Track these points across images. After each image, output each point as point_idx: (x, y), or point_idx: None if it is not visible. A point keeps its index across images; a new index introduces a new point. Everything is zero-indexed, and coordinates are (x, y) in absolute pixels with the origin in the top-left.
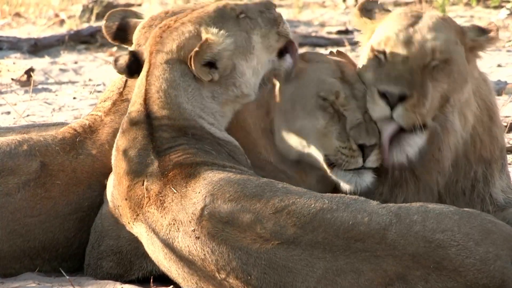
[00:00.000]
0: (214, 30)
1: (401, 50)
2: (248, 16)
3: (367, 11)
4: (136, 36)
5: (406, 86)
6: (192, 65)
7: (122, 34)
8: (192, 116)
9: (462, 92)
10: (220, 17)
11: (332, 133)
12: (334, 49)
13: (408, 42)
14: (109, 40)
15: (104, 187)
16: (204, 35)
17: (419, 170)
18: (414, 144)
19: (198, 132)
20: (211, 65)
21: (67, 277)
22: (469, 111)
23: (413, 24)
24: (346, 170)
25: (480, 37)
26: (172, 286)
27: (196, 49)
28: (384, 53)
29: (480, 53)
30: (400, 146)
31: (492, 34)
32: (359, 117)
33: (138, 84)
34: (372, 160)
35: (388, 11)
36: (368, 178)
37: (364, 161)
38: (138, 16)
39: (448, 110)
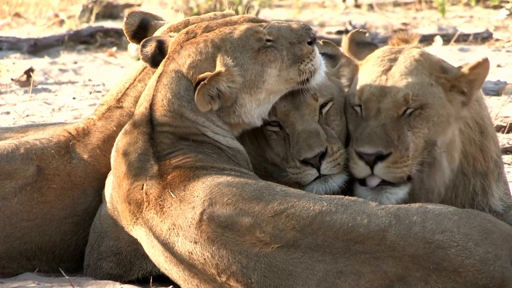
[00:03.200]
0: (229, 62)
1: (374, 104)
2: (274, 46)
3: (356, 44)
4: None
5: (382, 145)
6: (196, 95)
7: (142, 33)
8: (194, 124)
9: (446, 133)
10: (241, 47)
11: (282, 155)
12: None
13: (380, 94)
14: (128, 38)
15: (97, 192)
16: (218, 66)
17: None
18: (393, 197)
19: (199, 138)
20: (214, 95)
21: (67, 277)
22: (454, 151)
23: (386, 71)
24: (308, 184)
25: (459, 77)
26: (171, 286)
27: (205, 82)
28: (360, 106)
29: (469, 91)
30: (378, 196)
31: (471, 74)
32: (298, 129)
33: (148, 86)
34: (328, 167)
35: (375, 46)
36: (337, 181)
37: (319, 170)
38: (157, 19)
39: (437, 152)
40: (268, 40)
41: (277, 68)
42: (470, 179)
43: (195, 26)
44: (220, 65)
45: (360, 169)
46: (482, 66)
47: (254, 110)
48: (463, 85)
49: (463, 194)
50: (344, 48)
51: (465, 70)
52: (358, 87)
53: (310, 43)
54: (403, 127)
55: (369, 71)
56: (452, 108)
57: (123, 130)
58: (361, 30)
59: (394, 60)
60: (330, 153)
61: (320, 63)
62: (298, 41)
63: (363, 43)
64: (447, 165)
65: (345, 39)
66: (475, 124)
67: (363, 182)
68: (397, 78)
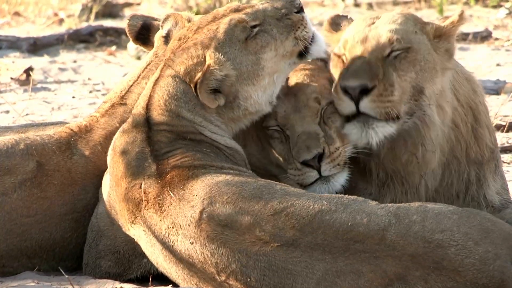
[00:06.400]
0: (220, 56)
1: (358, 47)
2: (262, 29)
3: (336, 25)
4: (156, 38)
5: (366, 78)
6: (199, 95)
7: (145, 33)
8: (191, 123)
9: (434, 82)
10: (228, 41)
11: (284, 157)
12: None
13: (364, 39)
14: (132, 39)
15: (97, 189)
16: (207, 61)
17: (404, 170)
18: (380, 131)
19: (197, 137)
20: (215, 90)
21: (66, 276)
22: (445, 102)
23: (370, 24)
24: (309, 185)
25: (443, 27)
26: (170, 285)
27: (201, 79)
28: (344, 55)
29: (450, 41)
30: (364, 129)
31: (453, 18)
32: (298, 131)
33: (146, 87)
34: (328, 168)
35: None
36: (339, 180)
37: (320, 172)
38: (156, 20)
39: (425, 103)
40: (254, 26)
41: (272, 49)
42: (464, 166)
43: (187, 30)
44: (209, 59)
45: (345, 105)
46: (463, 18)
47: (261, 98)
48: (446, 34)
49: (458, 183)
50: (325, 29)
51: (448, 22)
52: (343, 39)
53: (297, 12)
54: (388, 67)
55: (351, 28)
56: (438, 57)
57: (120, 129)
58: (341, 15)
59: (376, 18)
60: (328, 154)
61: (315, 32)
62: (285, 13)
63: (341, 23)
64: (439, 120)
65: (325, 22)
66: (468, 108)
67: (349, 119)
68: (381, 26)
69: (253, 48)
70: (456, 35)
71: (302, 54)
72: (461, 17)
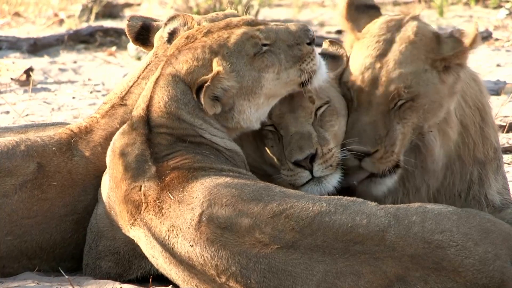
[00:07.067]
0: (227, 65)
1: (365, 96)
2: (271, 50)
3: (356, 8)
4: (156, 39)
5: (369, 144)
6: (202, 99)
7: (145, 34)
8: (191, 126)
9: (437, 116)
10: (237, 53)
11: (277, 157)
12: None
13: (372, 85)
14: (131, 40)
15: (97, 190)
16: (215, 67)
17: (406, 175)
18: (382, 186)
19: (196, 139)
20: (215, 98)
21: (66, 276)
22: (448, 128)
23: (381, 57)
24: (301, 186)
25: (452, 52)
26: (171, 286)
27: (208, 83)
28: (350, 90)
29: (460, 67)
30: (367, 188)
31: (460, 48)
32: (291, 131)
33: (146, 88)
34: (320, 169)
35: (376, 11)
36: (331, 181)
37: (312, 173)
38: (156, 21)
39: (425, 133)
40: (265, 45)
41: (274, 72)
42: (467, 167)
43: (196, 30)
44: (217, 66)
45: (349, 161)
46: (478, 40)
47: (253, 115)
48: (457, 60)
49: (460, 182)
50: (341, 13)
51: (460, 49)
52: (351, 72)
53: (309, 44)
54: (393, 121)
55: (364, 54)
56: (445, 88)
57: (120, 130)
58: None
59: (390, 42)
60: (320, 155)
61: (320, 62)
62: (297, 42)
63: (363, 6)
64: (440, 143)
65: (342, 3)
66: (475, 109)
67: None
68: (391, 68)
69: (258, 65)
70: (467, 60)
71: (303, 85)
72: (474, 42)
